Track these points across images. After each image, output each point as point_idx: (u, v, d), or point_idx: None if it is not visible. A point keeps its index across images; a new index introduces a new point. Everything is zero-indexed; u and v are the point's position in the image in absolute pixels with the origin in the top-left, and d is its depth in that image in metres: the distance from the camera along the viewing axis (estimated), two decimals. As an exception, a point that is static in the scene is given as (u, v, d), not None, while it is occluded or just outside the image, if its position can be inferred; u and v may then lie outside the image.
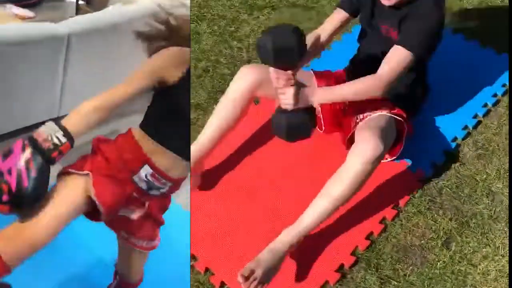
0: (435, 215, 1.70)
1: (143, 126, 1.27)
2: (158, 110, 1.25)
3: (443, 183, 1.77)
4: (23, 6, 3.80)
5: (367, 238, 1.66)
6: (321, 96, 1.59)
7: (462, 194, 1.75)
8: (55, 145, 1.06)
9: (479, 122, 1.94)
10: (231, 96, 1.75)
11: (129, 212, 1.32)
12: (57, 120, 1.11)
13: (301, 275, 1.59)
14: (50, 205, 1.14)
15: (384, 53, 1.59)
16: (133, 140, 1.24)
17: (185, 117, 1.25)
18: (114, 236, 1.47)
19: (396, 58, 1.55)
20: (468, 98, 2.00)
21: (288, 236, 1.54)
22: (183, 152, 1.24)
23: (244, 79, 1.74)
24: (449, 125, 1.92)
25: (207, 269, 1.63)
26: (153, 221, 1.42)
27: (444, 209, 1.71)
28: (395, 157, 1.72)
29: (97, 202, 1.19)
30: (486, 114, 1.96)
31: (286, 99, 1.56)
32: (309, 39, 1.65)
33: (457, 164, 1.82)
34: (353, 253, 1.63)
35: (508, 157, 1.82)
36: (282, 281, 1.56)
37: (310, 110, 1.60)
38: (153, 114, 1.27)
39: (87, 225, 1.37)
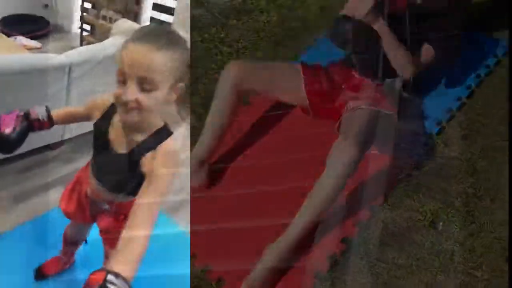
0: (421, 197, 1.75)
1: None
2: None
3: (428, 166, 1.82)
4: (32, 38, 4.03)
5: (356, 224, 1.72)
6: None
7: (447, 175, 1.79)
8: (38, 119, 1.46)
9: (463, 104, 1.97)
10: (218, 95, 1.85)
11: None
12: (47, 108, 1.49)
13: (294, 267, 1.64)
14: None
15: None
16: (88, 166, 1.56)
17: (98, 149, 1.43)
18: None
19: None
20: (451, 80, 2.03)
21: (275, 252, 1.60)
22: (100, 179, 1.46)
23: (227, 77, 1.83)
24: (434, 108, 1.95)
25: (206, 265, 1.71)
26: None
27: (430, 191, 1.76)
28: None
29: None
30: (470, 96, 1.99)
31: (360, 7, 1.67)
32: None
33: (442, 146, 1.86)
34: (343, 241, 1.69)
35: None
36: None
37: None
38: None
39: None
